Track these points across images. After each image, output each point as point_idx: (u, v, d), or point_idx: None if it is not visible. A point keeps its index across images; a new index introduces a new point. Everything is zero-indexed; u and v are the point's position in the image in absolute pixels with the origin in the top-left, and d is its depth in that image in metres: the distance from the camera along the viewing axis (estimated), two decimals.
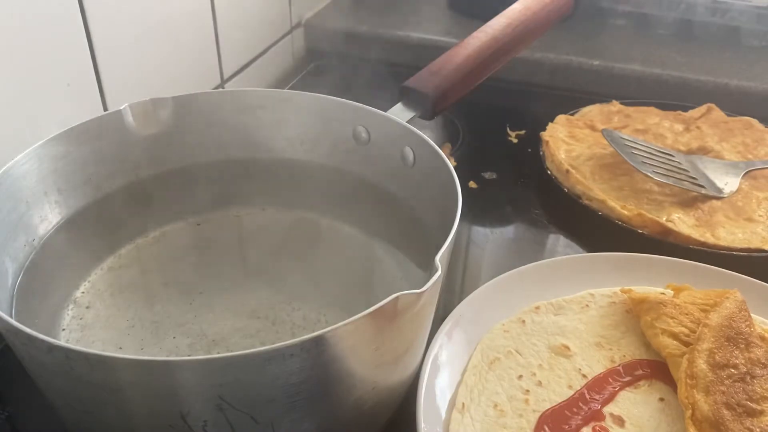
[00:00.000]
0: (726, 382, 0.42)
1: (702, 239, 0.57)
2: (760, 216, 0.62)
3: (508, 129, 0.78)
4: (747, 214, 0.62)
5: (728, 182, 0.65)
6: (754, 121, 0.76)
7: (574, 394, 0.43)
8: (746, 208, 0.63)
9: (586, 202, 0.62)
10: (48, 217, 0.46)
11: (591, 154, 0.69)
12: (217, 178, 0.53)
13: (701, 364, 0.42)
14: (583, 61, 0.87)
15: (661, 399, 0.43)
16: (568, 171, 0.64)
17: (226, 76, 0.77)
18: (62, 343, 0.30)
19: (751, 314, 0.48)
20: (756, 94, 0.82)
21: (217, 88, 0.75)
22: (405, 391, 0.42)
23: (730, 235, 0.59)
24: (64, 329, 0.44)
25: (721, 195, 0.63)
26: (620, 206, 0.60)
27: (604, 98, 0.85)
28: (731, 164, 0.67)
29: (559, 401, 0.43)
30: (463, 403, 0.42)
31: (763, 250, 0.57)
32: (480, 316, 0.48)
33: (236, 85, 0.79)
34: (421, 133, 0.46)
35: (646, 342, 0.47)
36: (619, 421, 0.42)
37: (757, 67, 0.85)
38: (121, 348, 0.43)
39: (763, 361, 0.43)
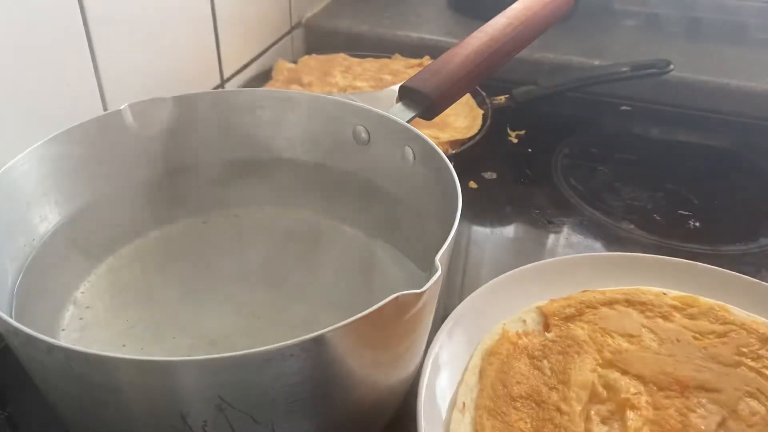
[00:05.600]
0: None
1: None
2: None
3: (508, 129, 0.78)
4: None
5: None
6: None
7: None
8: None
9: None
10: (48, 217, 0.46)
11: None
12: (217, 178, 0.53)
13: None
14: (583, 60, 0.87)
15: None
16: None
17: (226, 76, 0.77)
18: (62, 343, 0.30)
19: (751, 314, 0.48)
20: (756, 95, 0.82)
21: (217, 88, 0.75)
22: (405, 390, 0.42)
23: None
24: (64, 329, 0.44)
25: None
26: None
27: (604, 98, 0.85)
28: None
29: None
30: (464, 403, 0.42)
31: None
32: (480, 316, 0.48)
33: (236, 85, 0.79)
34: (421, 133, 0.46)
35: None
36: None
37: (757, 67, 0.85)
38: (121, 348, 0.43)
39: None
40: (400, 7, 1.00)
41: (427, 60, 0.85)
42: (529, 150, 0.76)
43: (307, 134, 0.53)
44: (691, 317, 0.48)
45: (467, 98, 0.76)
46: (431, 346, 0.44)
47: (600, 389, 0.43)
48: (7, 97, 0.49)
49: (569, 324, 0.48)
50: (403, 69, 0.83)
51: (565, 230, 0.64)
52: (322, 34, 0.94)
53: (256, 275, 0.49)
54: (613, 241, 0.62)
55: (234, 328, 0.44)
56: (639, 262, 0.53)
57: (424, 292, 0.31)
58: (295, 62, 0.85)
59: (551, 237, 0.63)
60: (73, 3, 0.52)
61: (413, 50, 0.88)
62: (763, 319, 0.48)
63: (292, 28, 0.92)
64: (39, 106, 0.51)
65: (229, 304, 0.46)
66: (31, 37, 0.50)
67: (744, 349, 0.46)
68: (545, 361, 0.45)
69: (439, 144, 0.62)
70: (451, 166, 0.42)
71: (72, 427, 0.39)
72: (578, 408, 0.41)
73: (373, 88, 0.79)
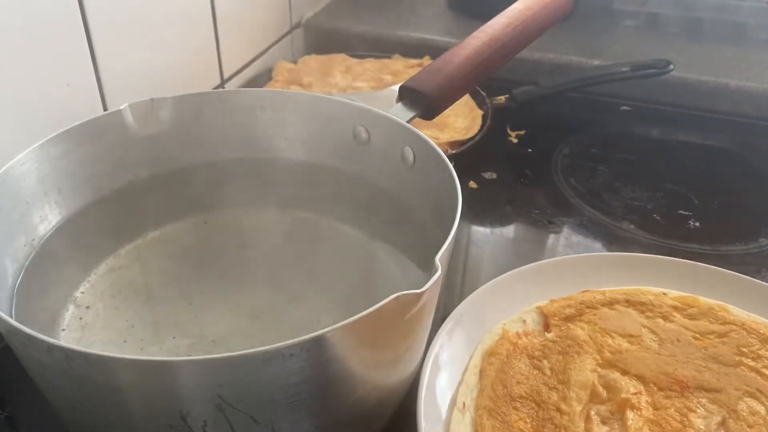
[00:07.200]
0: None
1: None
2: None
3: (508, 129, 0.78)
4: None
5: None
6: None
7: None
8: None
9: None
10: (48, 217, 0.46)
11: None
12: (217, 178, 0.53)
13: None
14: (583, 61, 0.87)
15: None
16: None
17: (226, 76, 0.77)
18: (62, 343, 0.30)
19: (751, 314, 0.48)
20: (756, 95, 0.82)
21: (217, 88, 0.75)
22: (405, 390, 0.42)
23: None
24: (64, 329, 0.44)
25: None
26: None
27: (604, 98, 0.85)
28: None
29: None
30: (464, 403, 0.42)
31: None
32: (480, 316, 0.48)
33: (236, 85, 0.79)
34: (421, 133, 0.46)
35: None
36: None
37: (757, 67, 0.85)
38: (121, 347, 0.43)
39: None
40: (400, 7, 1.00)
41: (427, 60, 0.85)
42: (529, 150, 0.76)
43: (307, 134, 0.53)
44: (691, 317, 0.48)
45: (467, 98, 0.76)
46: (431, 346, 0.44)
47: (600, 389, 0.43)
48: (7, 97, 0.49)
49: (569, 324, 0.48)
50: (403, 69, 0.83)
51: (565, 230, 0.64)
52: (322, 34, 0.94)
53: (256, 275, 0.49)
54: (613, 241, 0.62)
55: (234, 328, 0.44)
56: (639, 262, 0.53)
57: (424, 292, 0.31)
58: (295, 62, 0.85)
59: (551, 237, 0.63)
60: (73, 3, 0.53)
61: (413, 50, 0.88)
62: (763, 319, 0.48)
63: (292, 28, 0.92)
64: (39, 106, 0.51)
65: (229, 304, 0.46)
66: (31, 37, 0.50)
67: (744, 349, 0.46)
68: (545, 361, 0.45)
69: (439, 144, 0.62)
70: (451, 166, 0.42)
71: (72, 427, 0.39)
72: (578, 408, 0.41)
73: (373, 88, 0.79)
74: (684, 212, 0.66)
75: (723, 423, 0.41)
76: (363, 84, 0.80)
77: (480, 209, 0.66)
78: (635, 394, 0.42)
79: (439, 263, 0.33)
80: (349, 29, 0.94)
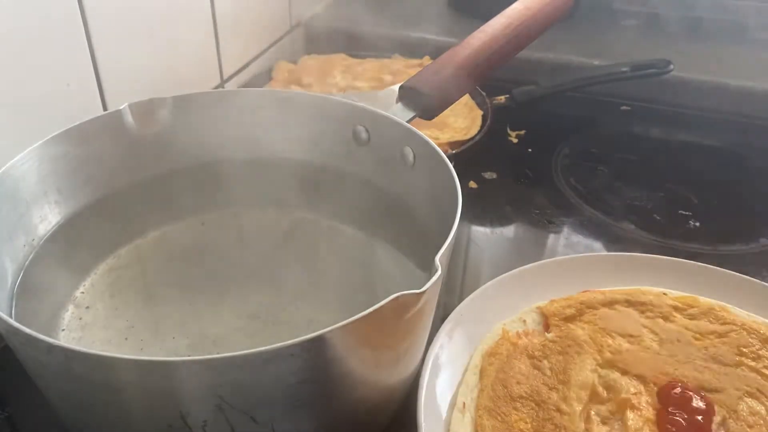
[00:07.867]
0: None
1: None
2: None
3: (508, 129, 0.78)
4: None
5: None
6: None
7: None
8: None
9: None
10: (48, 217, 0.46)
11: None
12: (217, 178, 0.53)
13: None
14: (583, 60, 0.87)
15: None
16: None
17: (226, 76, 0.77)
18: (62, 343, 0.30)
19: (751, 314, 0.48)
20: (756, 95, 0.82)
21: (217, 88, 0.75)
22: (405, 391, 0.42)
23: None
24: (64, 329, 0.44)
25: None
26: None
27: (604, 98, 0.85)
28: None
29: None
30: (464, 403, 0.42)
31: None
32: (480, 316, 0.48)
33: (236, 85, 0.79)
34: (421, 133, 0.46)
35: None
36: None
37: (757, 67, 0.85)
38: (121, 347, 0.43)
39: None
40: (400, 7, 1.00)
41: (427, 60, 0.85)
42: (529, 150, 0.76)
43: (307, 134, 0.53)
44: (692, 317, 0.48)
45: (467, 98, 0.76)
46: (431, 346, 0.44)
47: (600, 389, 0.43)
48: (7, 97, 0.49)
49: (569, 324, 0.48)
50: (403, 69, 0.83)
51: (565, 230, 0.64)
52: (322, 34, 0.94)
53: (256, 275, 0.49)
54: (613, 241, 0.62)
55: (234, 328, 0.44)
56: (639, 262, 0.53)
57: (424, 292, 0.31)
58: (295, 62, 0.85)
59: (551, 237, 0.63)
60: (73, 3, 0.53)
61: (413, 50, 0.88)
62: (763, 319, 0.48)
63: (292, 28, 0.92)
64: (39, 106, 0.51)
65: (229, 304, 0.46)
66: (31, 38, 0.50)
67: (744, 349, 0.46)
68: (545, 362, 0.45)
69: (439, 144, 0.62)
70: (451, 166, 0.42)
71: (72, 427, 0.39)
72: (578, 408, 0.41)
73: (373, 88, 0.79)
74: (684, 212, 0.66)
75: (723, 423, 0.41)
76: (363, 84, 0.80)
77: (480, 209, 0.66)
78: (635, 394, 0.42)
79: (439, 263, 0.33)
80: (349, 29, 0.94)
